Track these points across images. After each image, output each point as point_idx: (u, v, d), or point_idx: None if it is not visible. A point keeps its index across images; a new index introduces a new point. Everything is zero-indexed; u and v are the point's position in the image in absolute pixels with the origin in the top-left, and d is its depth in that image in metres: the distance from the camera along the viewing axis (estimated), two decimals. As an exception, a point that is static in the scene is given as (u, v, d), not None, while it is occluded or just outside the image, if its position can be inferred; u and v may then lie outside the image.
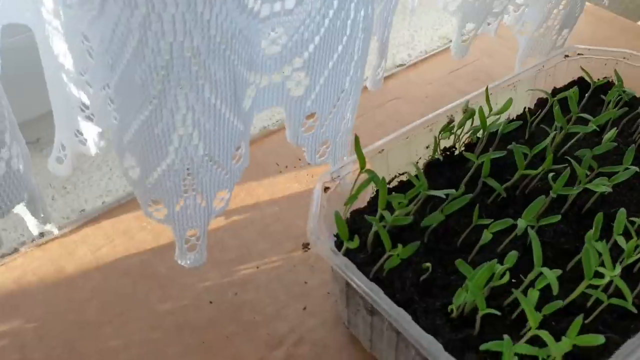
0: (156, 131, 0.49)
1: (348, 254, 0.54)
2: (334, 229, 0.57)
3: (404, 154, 0.64)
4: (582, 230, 0.61)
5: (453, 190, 0.57)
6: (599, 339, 0.45)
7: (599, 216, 0.55)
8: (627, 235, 0.56)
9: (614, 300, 0.51)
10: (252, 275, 0.67)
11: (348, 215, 0.60)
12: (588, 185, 0.58)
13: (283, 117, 0.86)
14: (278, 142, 0.82)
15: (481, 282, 0.48)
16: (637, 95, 0.73)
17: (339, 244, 0.55)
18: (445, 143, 0.67)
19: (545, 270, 0.49)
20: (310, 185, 0.77)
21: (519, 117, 0.74)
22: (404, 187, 0.64)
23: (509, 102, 0.64)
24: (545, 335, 0.44)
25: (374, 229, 0.54)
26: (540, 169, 0.60)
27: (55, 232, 0.69)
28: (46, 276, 0.66)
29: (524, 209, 0.62)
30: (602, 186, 0.57)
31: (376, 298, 0.49)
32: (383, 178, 0.53)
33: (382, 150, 0.62)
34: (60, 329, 0.61)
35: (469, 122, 0.66)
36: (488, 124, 0.64)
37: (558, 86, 0.78)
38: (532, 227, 0.56)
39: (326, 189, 0.57)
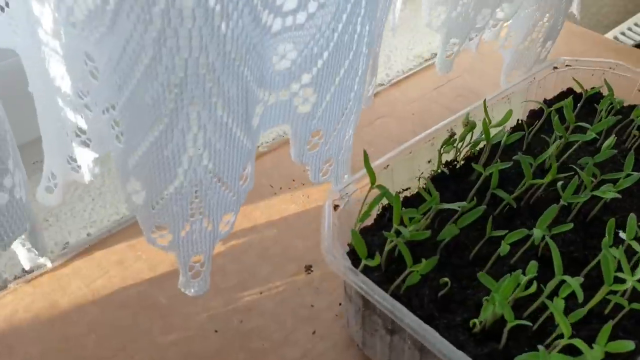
0: (165, 153, 0.47)
1: (365, 272, 0.52)
2: (345, 247, 0.55)
3: (407, 169, 0.64)
4: (589, 238, 0.61)
5: (465, 203, 0.56)
6: (629, 345, 0.45)
7: (611, 222, 0.55)
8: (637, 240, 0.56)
9: (635, 305, 0.50)
10: (256, 301, 0.65)
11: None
12: (595, 192, 0.58)
13: (272, 139, 0.85)
14: (270, 164, 0.81)
15: (507, 294, 0.47)
16: (627, 104, 0.74)
17: (354, 263, 0.53)
18: (446, 157, 0.67)
19: (568, 278, 0.49)
20: (306, 206, 0.76)
21: (513, 129, 0.74)
22: (408, 202, 0.64)
23: (509, 113, 0.64)
24: (579, 343, 0.43)
25: (389, 245, 0.53)
26: (546, 178, 0.60)
27: (49, 265, 0.65)
28: (39, 312, 0.62)
29: (530, 219, 0.62)
30: (609, 192, 0.57)
31: (401, 315, 0.48)
32: (397, 193, 0.52)
33: (387, 165, 0.61)
34: (58, 368, 0.58)
35: (468, 135, 0.65)
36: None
37: (548, 97, 0.79)
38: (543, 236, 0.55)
39: (336, 207, 0.56)
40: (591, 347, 0.44)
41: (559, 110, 0.68)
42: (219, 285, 0.66)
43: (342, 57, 0.53)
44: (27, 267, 0.63)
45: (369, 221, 0.61)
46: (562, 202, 0.58)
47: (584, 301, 0.52)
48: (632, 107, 0.75)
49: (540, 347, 0.44)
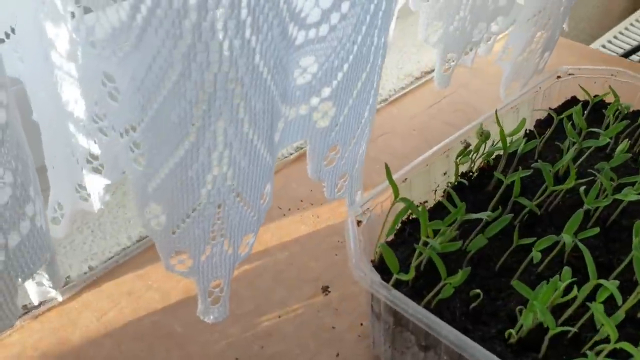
0: (190, 173, 0.45)
1: (397, 287, 0.51)
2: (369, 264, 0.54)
3: (424, 182, 0.63)
4: (611, 242, 0.61)
5: (490, 213, 0.55)
6: (675, 347, 0.44)
7: (638, 224, 0.54)
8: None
9: (672, 307, 0.50)
10: (275, 325, 0.63)
11: (376, 248, 0.58)
12: (617, 196, 0.58)
13: (278, 159, 0.84)
14: (278, 185, 0.79)
15: (546, 301, 0.46)
16: (632, 109, 0.74)
17: (383, 278, 0.52)
18: (460, 168, 0.66)
19: (605, 282, 0.48)
20: (317, 227, 0.74)
21: (524, 138, 0.73)
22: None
23: (523, 122, 0.63)
24: (628, 346, 0.42)
25: (417, 259, 0.52)
26: (567, 184, 0.59)
27: (59, 299, 0.63)
28: (49, 350, 0.59)
29: (551, 226, 0.61)
30: (631, 195, 0.57)
31: (439, 329, 0.46)
32: (422, 205, 0.51)
33: (406, 179, 0.60)
34: (74, 407, 0.55)
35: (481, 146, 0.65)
36: (499, 145, 0.64)
37: (553, 106, 0.79)
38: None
39: (358, 222, 0.55)
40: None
41: (569, 118, 0.68)
42: (236, 311, 0.63)
43: (360, 70, 0.52)
44: (36, 302, 0.60)
45: (386, 235, 0.60)
46: (585, 206, 0.57)
47: (615, 305, 0.51)
48: (638, 112, 0.75)
49: (589, 352, 0.43)
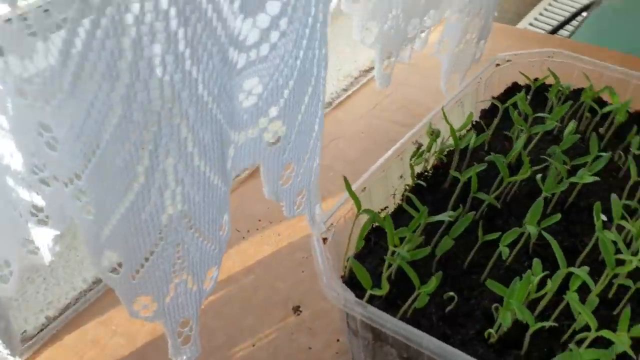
0: (143, 216, 0.43)
1: (371, 301, 0.50)
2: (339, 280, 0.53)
3: (382, 188, 0.62)
4: (571, 225, 0.62)
5: (452, 213, 0.55)
6: (652, 325, 0.44)
7: (597, 206, 0.55)
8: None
9: (641, 284, 0.50)
10: (250, 355, 0.61)
11: (344, 263, 0.57)
12: (573, 179, 0.59)
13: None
14: (232, 205, 0.77)
15: (522, 298, 0.46)
16: (574, 88, 0.76)
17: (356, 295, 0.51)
18: (415, 169, 0.65)
19: (575, 270, 0.48)
20: (279, 245, 0.73)
21: (472, 130, 0.74)
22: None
23: (470, 116, 0.63)
24: (608, 334, 0.43)
25: (387, 270, 0.51)
26: (522, 173, 0.59)
27: (18, 361, 0.59)
28: (14, 416, 0.56)
29: (511, 217, 0.62)
30: (586, 177, 0.58)
31: (420, 340, 0.46)
32: (388, 215, 0.50)
33: (365, 188, 0.59)
34: None
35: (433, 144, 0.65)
36: (450, 142, 0.64)
37: (495, 94, 0.79)
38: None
39: (324, 239, 0.53)
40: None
41: (514, 106, 0.69)
42: (208, 346, 0.61)
43: (306, 84, 0.51)
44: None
45: (354, 247, 0.59)
46: (544, 194, 0.58)
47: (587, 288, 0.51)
48: (578, 91, 0.76)
49: (572, 346, 0.42)
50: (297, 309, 0.65)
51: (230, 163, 0.49)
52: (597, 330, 0.44)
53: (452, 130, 0.61)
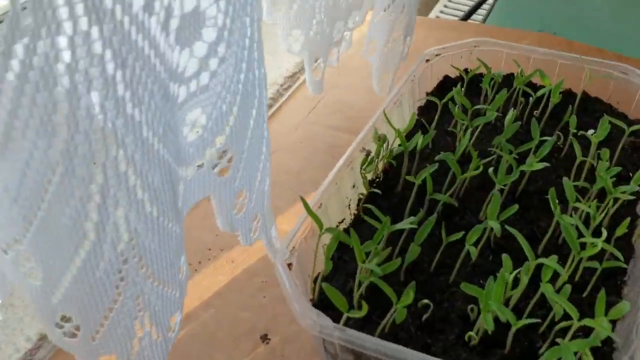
0: (98, 274, 0.40)
1: (348, 324, 0.48)
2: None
3: (337, 201, 0.60)
4: (526, 212, 0.62)
5: (413, 219, 0.54)
6: (626, 307, 0.45)
7: (552, 192, 0.55)
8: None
9: (608, 264, 0.51)
10: (224, 393, 0.58)
11: (312, 285, 0.55)
12: (523, 167, 0.59)
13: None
14: (179, 240, 0.73)
15: (499, 298, 0.45)
16: (504, 74, 0.76)
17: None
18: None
19: (545, 260, 0.48)
20: (235, 273, 0.70)
21: (413, 130, 0.73)
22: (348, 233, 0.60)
23: (414, 116, 0.63)
24: (591, 322, 0.42)
25: (359, 289, 0.49)
26: (472, 169, 0.59)
27: None
28: None
29: (467, 213, 0.61)
30: (536, 164, 0.58)
31: (404, 357, 0.44)
32: (352, 230, 0.49)
33: (321, 204, 0.57)
34: None
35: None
36: (395, 145, 0.63)
37: (428, 90, 0.79)
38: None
39: (289, 265, 0.51)
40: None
41: (453, 101, 0.69)
42: (177, 392, 0.58)
43: (250, 107, 0.49)
44: None
45: (319, 267, 0.57)
46: (498, 186, 0.58)
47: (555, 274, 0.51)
48: (507, 77, 0.77)
49: (561, 340, 0.42)
50: (265, 338, 0.62)
51: (182, 200, 0.46)
52: (579, 319, 0.44)
53: (399, 134, 0.60)
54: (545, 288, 0.46)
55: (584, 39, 1.06)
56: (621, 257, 0.50)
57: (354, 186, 0.63)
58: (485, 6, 1.55)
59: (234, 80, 0.45)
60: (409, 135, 0.66)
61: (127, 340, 0.45)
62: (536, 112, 0.75)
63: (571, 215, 0.55)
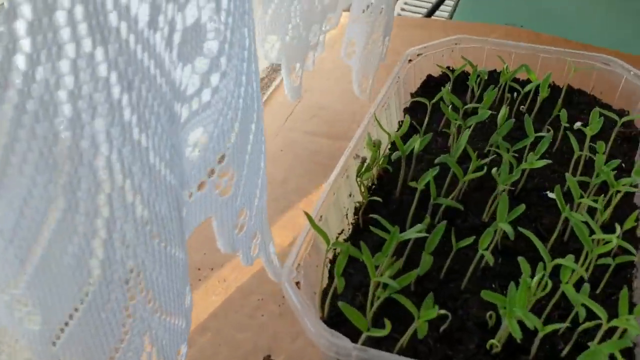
0: (104, 315, 0.36)
1: (367, 344, 0.46)
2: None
3: (336, 212, 0.58)
4: (528, 211, 0.61)
5: (421, 226, 0.52)
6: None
7: (557, 189, 0.54)
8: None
9: (621, 259, 0.50)
10: (231, 422, 0.55)
11: (319, 302, 0.52)
12: (524, 166, 0.58)
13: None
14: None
15: (524, 304, 0.44)
16: (489, 70, 0.75)
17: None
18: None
19: (562, 261, 0.46)
20: (228, 292, 0.67)
21: (408, 133, 0.71)
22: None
23: (407, 118, 0.61)
24: (620, 322, 0.41)
25: (375, 304, 0.47)
26: (472, 170, 0.58)
27: None
28: None
29: (470, 215, 0.60)
30: (537, 162, 0.57)
31: (433, 375, 0.42)
32: (364, 245, 0.47)
33: (321, 217, 0.55)
34: None
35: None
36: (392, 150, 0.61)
37: (412, 90, 0.78)
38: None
39: (297, 283, 0.49)
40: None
41: (441, 100, 0.67)
42: None
43: (250, 122, 0.46)
44: None
45: (323, 283, 0.54)
46: (500, 186, 0.56)
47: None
48: (493, 73, 0.76)
49: (592, 344, 0.41)
50: (269, 358, 0.60)
51: (185, 225, 0.43)
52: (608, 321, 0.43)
53: (397, 138, 0.58)
54: (567, 289, 0.45)
55: (549, 30, 1.07)
56: (634, 251, 0.50)
57: (350, 195, 0.61)
58: (448, 2, 1.55)
59: (234, 95, 0.42)
60: (401, 139, 0.64)
61: (134, 380, 0.42)
62: (522, 107, 0.74)
63: (576, 211, 0.54)
